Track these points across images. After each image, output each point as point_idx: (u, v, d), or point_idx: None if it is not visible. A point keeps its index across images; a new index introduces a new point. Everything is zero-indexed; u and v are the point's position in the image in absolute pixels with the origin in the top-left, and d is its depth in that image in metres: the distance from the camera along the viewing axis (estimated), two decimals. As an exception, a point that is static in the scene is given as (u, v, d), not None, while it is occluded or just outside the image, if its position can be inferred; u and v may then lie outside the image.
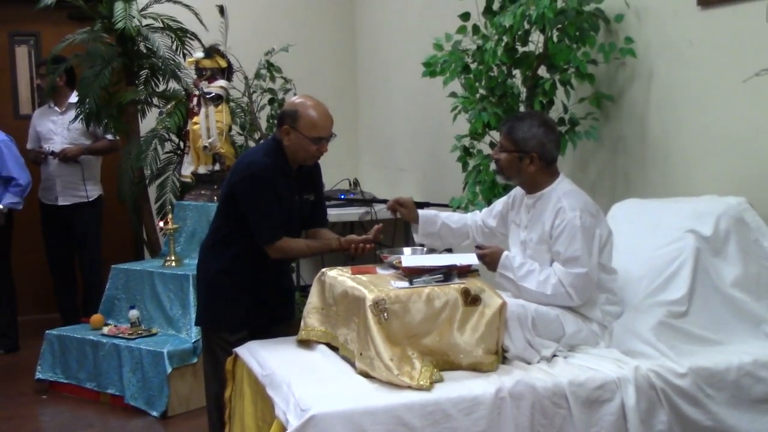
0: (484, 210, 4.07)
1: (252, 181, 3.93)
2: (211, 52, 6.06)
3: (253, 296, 4.08)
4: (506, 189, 4.64)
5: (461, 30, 4.74)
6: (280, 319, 4.22)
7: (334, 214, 6.75)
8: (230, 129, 6.20)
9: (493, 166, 3.85)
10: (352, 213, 6.87)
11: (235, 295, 4.07)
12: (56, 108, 6.91)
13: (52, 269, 7.10)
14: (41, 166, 6.96)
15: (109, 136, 6.88)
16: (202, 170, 6.09)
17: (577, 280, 3.45)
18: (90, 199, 6.91)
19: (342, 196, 6.78)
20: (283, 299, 4.25)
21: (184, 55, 6.69)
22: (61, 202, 6.92)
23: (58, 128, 6.87)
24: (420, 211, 4.02)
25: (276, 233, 3.95)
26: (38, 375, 5.88)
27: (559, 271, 3.47)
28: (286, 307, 4.28)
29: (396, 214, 4.06)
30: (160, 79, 6.78)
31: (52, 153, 6.82)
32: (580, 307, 3.52)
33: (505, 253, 3.59)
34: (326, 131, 3.95)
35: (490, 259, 3.57)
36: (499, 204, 3.97)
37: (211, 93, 6.00)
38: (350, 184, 7.27)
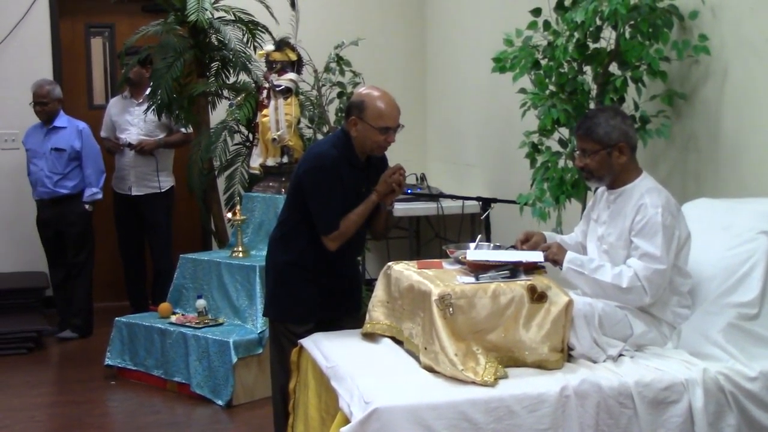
0: (576, 228, 4.00)
1: (318, 172, 3.96)
2: (282, 45, 6.09)
3: (321, 288, 4.09)
4: (574, 186, 4.62)
5: (532, 25, 4.71)
6: (347, 311, 4.23)
7: (401, 208, 6.77)
8: (299, 122, 6.24)
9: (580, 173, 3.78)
10: (419, 208, 6.87)
11: (302, 287, 4.09)
12: (133, 99, 7.02)
13: (123, 257, 7.24)
14: (116, 155, 7.08)
15: (183, 130, 6.98)
16: (270, 162, 6.13)
17: (654, 276, 3.40)
18: (162, 190, 7.03)
19: (409, 191, 6.76)
20: (351, 291, 4.26)
21: (255, 48, 6.74)
22: (135, 192, 7.04)
23: (135, 119, 6.98)
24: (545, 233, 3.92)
25: (335, 225, 3.96)
26: (107, 361, 5.98)
27: (636, 265, 3.43)
28: (353, 299, 4.28)
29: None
30: (231, 71, 6.83)
31: (129, 145, 6.95)
32: (651, 307, 3.47)
33: (569, 252, 3.56)
34: (393, 121, 3.96)
35: (557, 250, 3.54)
36: (584, 218, 3.94)
37: (280, 86, 6.03)
38: (417, 179, 7.26)
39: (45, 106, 6.76)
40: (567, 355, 3.32)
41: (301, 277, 4.09)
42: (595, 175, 3.64)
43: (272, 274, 4.21)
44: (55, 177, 6.77)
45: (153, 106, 6.62)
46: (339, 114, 6.53)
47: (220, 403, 5.39)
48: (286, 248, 4.13)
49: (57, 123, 6.82)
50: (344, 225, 3.97)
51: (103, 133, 7.19)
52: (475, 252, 3.58)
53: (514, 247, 3.85)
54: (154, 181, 7.00)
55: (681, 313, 3.53)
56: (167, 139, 7.01)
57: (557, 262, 3.55)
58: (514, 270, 3.38)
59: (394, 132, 3.98)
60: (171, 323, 5.79)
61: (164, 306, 6.00)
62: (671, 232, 3.45)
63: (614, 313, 3.43)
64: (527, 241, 3.72)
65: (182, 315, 5.88)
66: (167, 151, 7.12)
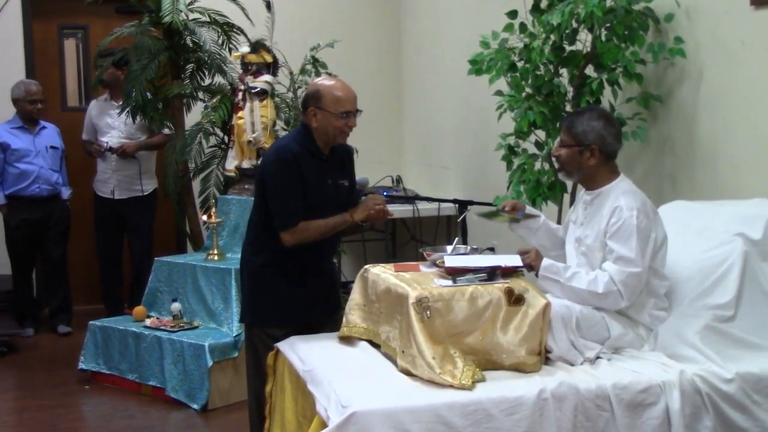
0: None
1: (276, 166, 3.96)
2: (257, 47, 6.07)
3: (298, 289, 4.07)
4: (551, 189, 4.63)
5: (508, 28, 4.71)
6: (325, 313, 4.20)
7: (376, 210, 6.75)
8: (275, 124, 6.21)
9: (555, 164, 3.81)
10: (395, 210, 6.84)
11: (279, 289, 4.06)
12: (113, 102, 6.97)
13: (100, 260, 7.19)
14: (98, 159, 7.05)
15: (166, 131, 6.94)
16: (246, 165, 6.10)
17: (630, 279, 3.41)
18: (145, 193, 7.00)
19: (385, 193, 6.75)
20: (328, 292, 4.24)
21: (230, 50, 6.72)
22: (118, 196, 7.01)
23: (115, 122, 6.93)
24: (528, 207, 3.94)
25: (292, 219, 3.92)
26: (81, 365, 5.92)
27: (611, 269, 3.43)
28: (331, 300, 4.26)
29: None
30: (206, 73, 6.81)
31: (110, 149, 6.91)
32: (628, 309, 3.48)
33: (545, 259, 3.55)
34: (351, 105, 3.97)
35: (534, 257, 3.54)
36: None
37: (256, 88, 6.00)
38: (393, 181, 7.26)
39: (42, 104, 6.86)
40: (544, 357, 3.32)
41: (277, 279, 4.06)
42: (565, 168, 3.67)
43: (247, 279, 4.18)
44: (55, 174, 6.89)
45: (127, 108, 6.57)
46: (314, 116, 6.50)
47: (195, 407, 5.36)
48: (260, 251, 4.09)
49: (42, 122, 6.94)
50: (306, 226, 3.92)
51: (84, 136, 7.16)
52: (454, 257, 3.57)
53: (491, 250, 3.85)
54: (136, 184, 6.95)
55: (658, 315, 3.54)
56: (148, 141, 6.96)
57: (533, 269, 3.55)
58: (491, 273, 3.37)
59: (354, 116, 3.99)
60: (146, 327, 5.74)
61: (139, 309, 5.96)
62: (646, 235, 3.45)
63: (592, 315, 3.43)
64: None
65: (157, 318, 5.84)
66: (149, 153, 7.08)
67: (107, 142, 6.92)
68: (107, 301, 7.14)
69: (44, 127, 6.95)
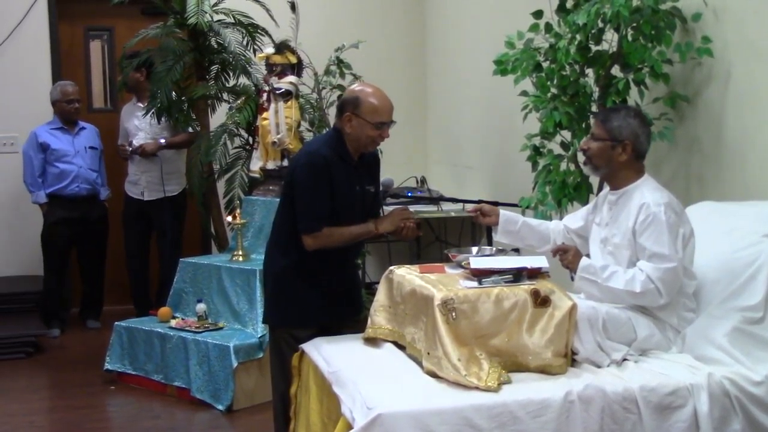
0: (567, 216, 4.02)
1: (307, 169, 3.96)
2: (282, 48, 6.07)
3: (321, 290, 4.06)
4: (577, 189, 4.60)
5: (534, 28, 4.69)
6: (348, 314, 4.20)
7: (401, 211, 6.74)
8: (299, 125, 6.21)
9: (580, 157, 3.81)
10: (420, 210, 6.84)
11: (303, 290, 4.06)
12: (139, 104, 7.00)
13: (129, 261, 7.24)
14: (128, 161, 7.11)
15: (190, 129, 6.96)
16: (270, 166, 6.10)
17: (667, 275, 3.39)
18: (167, 195, 6.99)
19: (409, 194, 6.75)
20: (351, 294, 4.23)
21: (255, 51, 6.72)
22: (147, 197, 7.05)
23: (142, 123, 6.96)
24: (501, 211, 3.97)
25: (317, 224, 3.93)
26: (107, 366, 5.95)
27: (646, 267, 3.41)
28: (354, 302, 4.25)
29: (479, 219, 4.01)
30: (231, 74, 6.83)
31: (132, 150, 6.98)
32: (656, 310, 3.45)
33: (584, 257, 3.55)
34: (388, 116, 3.96)
35: (573, 258, 3.53)
36: (583, 210, 3.94)
37: (280, 89, 6.01)
38: (417, 182, 7.25)
39: (78, 104, 7.04)
40: (571, 359, 3.30)
41: (301, 280, 4.06)
42: (593, 162, 3.66)
43: (271, 279, 4.18)
44: (94, 174, 7.06)
45: (152, 110, 6.59)
46: (339, 117, 6.50)
47: (220, 407, 5.36)
48: (285, 252, 4.09)
49: (81, 123, 7.12)
50: (330, 232, 3.93)
51: (119, 141, 7.24)
52: (479, 258, 3.56)
53: (516, 251, 3.83)
54: (160, 185, 6.98)
55: (686, 316, 3.51)
56: (171, 140, 6.97)
57: (571, 269, 3.54)
58: (517, 274, 3.36)
59: (388, 127, 3.98)
60: (171, 327, 5.76)
61: (164, 310, 5.98)
62: (676, 230, 3.44)
63: (618, 316, 3.41)
64: (485, 215, 3.92)
65: (182, 319, 5.85)
66: (174, 154, 7.09)
67: (136, 144, 6.97)
68: (137, 302, 7.17)
69: (83, 128, 7.12)
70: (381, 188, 4.65)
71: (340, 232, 3.95)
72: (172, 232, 7.04)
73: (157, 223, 7.06)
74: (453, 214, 6.68)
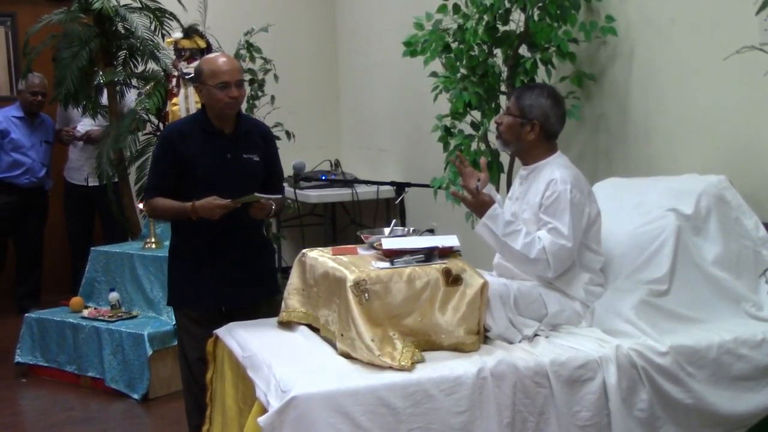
0: None
1: (156, 143, 4.19)
2: (190, 32, 6.01)
3: (213, 270, 4.05)
4: (489, 169, 4.63)
5: (442, 9, 4.71)
6: (257, 297, 4.18)
7: (315, 195, 6.75)
8: (210, 109, 6.14)
9: (493, 129, 3.81)
10: (334, 194, 6.86)
11: (192, 269, 4.07)
12: None
13: (73, 249, 7.25)
14: (69, 147, 7.15)
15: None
16: (181, 151, 6.03)
17: (560, 252, 3.44)
18: (114, 180, 6.88)
19: (323, 177, 6.73)
20: (258, 277, 4.19)
21: (163, 36, 6.62)
22: (92, 183, 7.07)
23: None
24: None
25: (149, 193, 4.07)
26: (17, 359, 5.84)
27: (545, 238, 3.46)
28: (263, 285, 4.24)
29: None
30: (139, 59, 6.71)
31: (75, 137, 7.04)
32: (563, 285, 3.51)
33: (495, 205, 3.52)
34: (228, 75, 3.97)
35: (479, 203, 3.49)
36: None
37: (190, 73, 5.91)
38: (331, 165, 7.23)
39: (42, 97, 6.96)
40: (483, 336, 3.33)
41: (191, 258, 4.08)
42: (503, 137, 3.70)
43: (168, 260, 4.21)
44: (45, 168, 7.04)
45: (59, 97, 6.46)
46: (250, 101, 6.46)
47: (135, 396, 5.31)
48: (176, 232, 4.18)
49: (42, 116, 7.11)
50: (155, 204, 4.04)
51: (57, 125, 7.23)
52: (391, 239, 3.56)
53: (430, 231, 3.85)
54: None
55: (594, 290, 3.57)
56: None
57: (477, 214, 3.52)
58: (429, 254, 3.38)
59: (236, 87, 3.99)
60: (83, 318, 5.68)
61: (76, 300, 5.89)
62: (580, 209, 3.49)
63: (529, 293, 3.45)
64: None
65: (95, 309, 5.78)
66: None
67: (81, 130, 7.03)
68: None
69: (43, 121, 7.10)
70: (293, 170, 4.63)
71: (163, 205, 4.02)
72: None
73: (102, 209, 7.02)
74: (368, 196, 6.69)
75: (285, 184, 4.41)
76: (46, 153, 7.10)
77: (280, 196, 4.14)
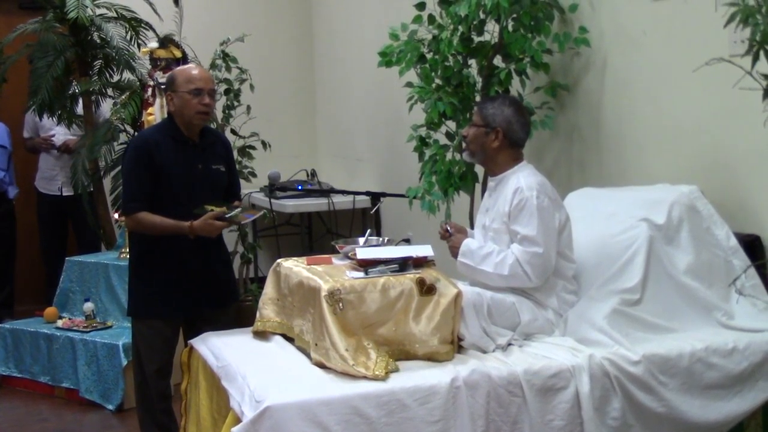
0: None
1: (129, 153, 4.09)
2: (166, 42, 6.00)
3: (180, 279, 4.06)
4: (462, 179, 4.66)
5: (417, 20, 4.73)
6: (216, 304, 4.19)
7: (291, 204, 6.74)
8: (185, 119, 6.13)
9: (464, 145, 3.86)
10: (311, 203, 6.86)
11: (161, 279, 4.07)
12: None
13: (46, 258, 7.16)
14: (41, 155, 7.06)
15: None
16: (157, 161, 6.02)
17: (534, 259, 3.47)
18: (93, 189, 6.84)
19: (299, 187, 6.74)
20: (215, 284, 4.20)
21: (139, 46, 6.62)
22: (66, 192, 6.99)
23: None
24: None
25: (132, 206, 3.99)
26: (-9, 369, 5.81)
27: (516, 251, 3.49)
28: (222, 292, 4.24)
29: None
30: (115, 69, 6.71)
31: (54, 146, 6.94)
32: (536, 293, 3.54)
33: (466, 240, 3.62)
34: (203, 83, 4.02)
35: (454, 244, 3.63)
36: None
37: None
38: (308, 175, 7.23)
39: None
40: (457, 346, 3.34)
41: (152, 267, 4.09)
42: (469, 148, 3.74)
43: (130, 270, 4.21)
44: (2, 173, 6.86)
45: (34, 106, 6.44)
46: (226, 111, 6.46)
47: (110, 407, 5.30)
48: (140, 242, 4.16)
49: None
50: (143, 218, 3.98)
51: (25, 134, 7.14)
52: (365, 249, 3.58)
53: (406, 241, 3.87)
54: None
55: (567, 299, 3.60)
56: None
57: (453, 255, 3.63)
58: (403, 264, 3.39)
59: (208, 95, 4.03)
60: (57, 328, 5.67)
61: (50, 310, 5.87)
62: (549, 214, 3.52)
63: (502, 302, 3.47)
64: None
65: (69, 319, 5.76)
66: None
67: (55, 139, 6.95)
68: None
69: None
70: (268, 180, 4.64)
71: (153, 221, 3.98)
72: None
73: (76, 219, 6.96)
74: (344, 206, 6.70)
75: (261, 194, 4.44)
76: (3, 158, 6.90)
77: (262, 212, 4.17)
